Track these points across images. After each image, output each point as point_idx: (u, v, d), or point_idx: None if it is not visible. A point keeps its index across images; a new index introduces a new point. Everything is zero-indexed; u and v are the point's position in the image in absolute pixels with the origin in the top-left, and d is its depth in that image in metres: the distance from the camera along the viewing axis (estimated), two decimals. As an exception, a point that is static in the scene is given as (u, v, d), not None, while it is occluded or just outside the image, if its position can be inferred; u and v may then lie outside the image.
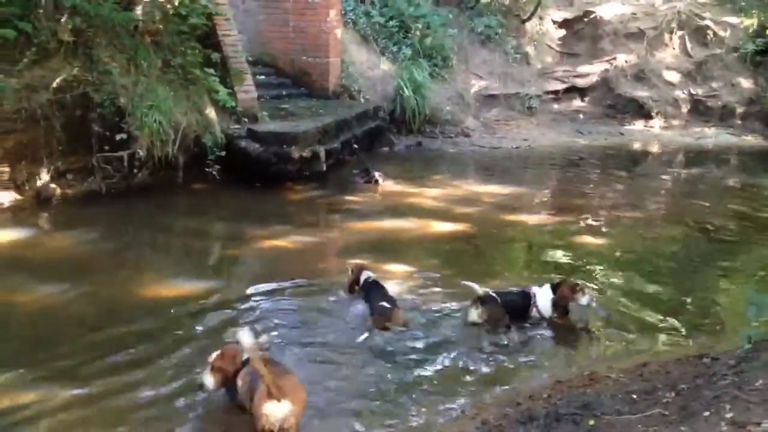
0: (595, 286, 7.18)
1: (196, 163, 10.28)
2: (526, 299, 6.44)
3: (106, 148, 9.46)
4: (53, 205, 9.08)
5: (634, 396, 4.80)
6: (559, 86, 17.76)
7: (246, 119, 11.23)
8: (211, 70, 10.71)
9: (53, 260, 7.50)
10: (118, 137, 9.42)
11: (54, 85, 8.99)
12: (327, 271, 7.57)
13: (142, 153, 9.60)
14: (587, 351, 6.04)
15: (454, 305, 6.68)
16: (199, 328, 6.07)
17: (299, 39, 14.25)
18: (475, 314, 6.29)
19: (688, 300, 7.06)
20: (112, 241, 8.19)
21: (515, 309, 6.40)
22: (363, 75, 15.01)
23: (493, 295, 6.37)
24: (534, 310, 6.41)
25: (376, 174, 11.45)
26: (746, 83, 18.39)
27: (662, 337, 6.30)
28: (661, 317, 6.67)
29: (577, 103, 17.97)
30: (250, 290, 6.92)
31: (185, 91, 10.40)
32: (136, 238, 8.52)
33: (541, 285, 6.48)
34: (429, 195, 10.91)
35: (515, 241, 8.94)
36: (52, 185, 9.13)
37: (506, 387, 5.35)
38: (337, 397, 5.07)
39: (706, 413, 4.23)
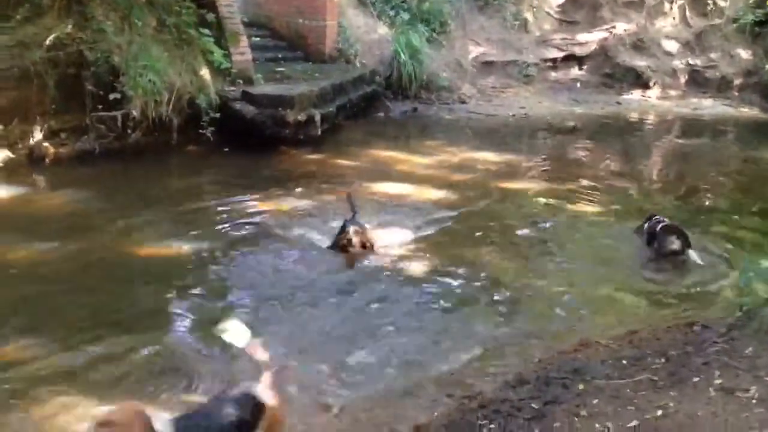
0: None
1: (190, 124, 10.19)
2: None
3: (100, 107, 9.37)
4: (46, 164, 9.02)
5: (624, 362, 4.83)
6: (558, 54, 17.60)
7: (241, 81, 11.13)
8: (206, 31, 10.61)
9: (45, 219, 7.49)
10: (111, 97, 9.33)
11: (47, 42, 8.90)
12: (318, 233, 7.54)
13: (136, 113, 9.51)
14: (579, 317, 6.06)
15: (447, 269, 6.72)
16: (190, 288, 6.09)
17: (296, 1, 14.06)
18: (677, 244, 7.05)
19: (680, 268, 7.11)
20: (105, 201, 8.16)
21: None
22: (360, 39, 14.84)
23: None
24: None
25: (351, 229, 6.89)
26: (745, 54, 18.27)
27: (653, 304, 6.34)
28: (653, 285, 6.72)
29: (574, 71, 17.83)
30: (242, 252, 6.93)
31: (179, 51, 10.29)
32: (129, 199, 8.47)
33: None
34: (424, 161, 10.87)
35: (509, 208, 8.92)
36: (45, 144, 9.06)
37: (498, 352, 5.38)
38: (319, 354, 5.16)
39: (695, 379, 4.28)
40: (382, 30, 15.38)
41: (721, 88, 18.02)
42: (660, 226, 7.24)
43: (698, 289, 6.68)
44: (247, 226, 7.70)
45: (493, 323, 5.85)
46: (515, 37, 17.36)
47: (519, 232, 8.08)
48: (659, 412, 3.84)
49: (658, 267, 7.17)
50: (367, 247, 6.92)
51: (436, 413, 4.44)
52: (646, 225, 7.57)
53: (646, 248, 7.36)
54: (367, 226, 7.15)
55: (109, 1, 9.60)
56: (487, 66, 16.64)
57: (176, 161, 10.00)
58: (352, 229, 6.86)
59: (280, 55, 13.67)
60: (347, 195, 7.55)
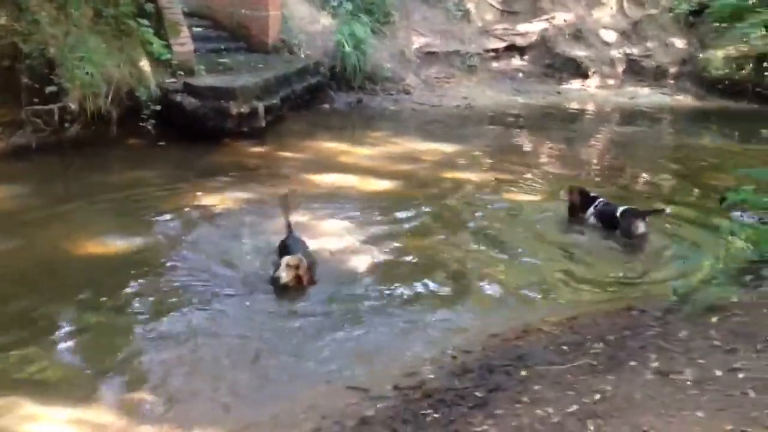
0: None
1: (130, 117, 10.01)
2: None
3: (36, 100, 9.14)
4: (-19, 159, 8.79)
5: (565, 347, 4.95)
6: (499, 44, 17.78)
7: (182, 73, 10.96)
8: (146, 22, 10.41)
9: (-20, 216, 7.31)
10: (48, 90, 9.09)
11: (-21, 34, 8.64)
12: (261, 227, 7.50)
13: (73, 106, 9.31)
14: (521, 304, 6.18)
15: (390, 260, 6.78)
16: (132, 284, 6.02)
17: (237, -9, 13.92)
18: (642, 226, 7.36)
19: (618, 254, 7.30)
20: (43, 197, 8.00)
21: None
22: (303, 30, 14.76)
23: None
24: None
25: (282, 263, 5.94)
26: (680, 43, 18.73)
27: (591, 290, 6.49)
28: (593, 270, 6.88)
29: (516, 61, 18.05)
30: (183, 247, 6.87)
31: (118, 42, 10.10)
32: (68, 194, 8.32)
33: None
34: (368, 152, 10.90)
35: (453, 198, 8.99)
36: (-21, 139, 8.83)
37: (441, 341, 5.45)
38: (266, 352, 5.18)
39: (633, 363, 4.40)
40: (326, 20, 15.32)
41: (657, 77, 18.44)
42: (621, 210, 7.58)
43: (636, 273, 6.87)
44: (187, 221, 7.62)
45: (437, 313, 5.91)
46: (457, 27, 17.48)
47: (463, 222, 8.18)
48: (597, 396, 3.95)
49: (597, 252, 7.34)
50: (305, 281, 6.00)
51: (381, 405, 4.47)
52: (593, 209, 7.79)
53: (605, 231, 7.72)
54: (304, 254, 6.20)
55: (44, -10, 9.37)
56: (430, 56, 16.72)
57: (116, 155, 9.82)
58: (283, 262, 5.93)
59: (222, 46, 13.49)
60: (282, 202, 7.12)
